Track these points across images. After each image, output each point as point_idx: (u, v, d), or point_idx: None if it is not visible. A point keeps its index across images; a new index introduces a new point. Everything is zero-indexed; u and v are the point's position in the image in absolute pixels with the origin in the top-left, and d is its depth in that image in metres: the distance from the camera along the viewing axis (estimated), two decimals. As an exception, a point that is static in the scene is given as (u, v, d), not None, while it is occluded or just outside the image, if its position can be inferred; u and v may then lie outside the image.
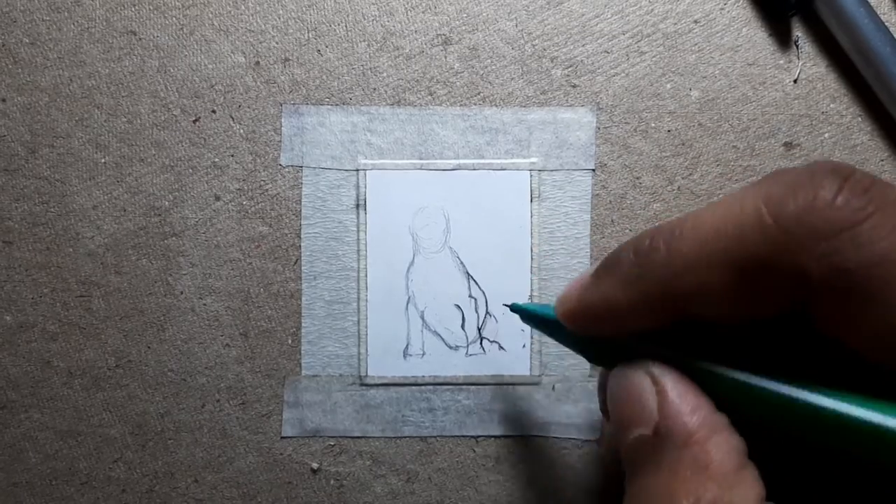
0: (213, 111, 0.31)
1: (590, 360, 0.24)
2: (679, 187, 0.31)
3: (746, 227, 0.17)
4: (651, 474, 0.18)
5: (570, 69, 0.31)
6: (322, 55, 0.31)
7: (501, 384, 0.30)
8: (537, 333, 0.30)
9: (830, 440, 0.17)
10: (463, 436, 0.30)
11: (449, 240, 0.30)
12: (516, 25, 0.31)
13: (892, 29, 0.30)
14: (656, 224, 0.21)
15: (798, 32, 0.31)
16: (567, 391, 0.30)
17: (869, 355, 0.17)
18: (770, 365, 0.19)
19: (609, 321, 0.20)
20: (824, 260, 0.16)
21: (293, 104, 0.31)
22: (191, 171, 0.30)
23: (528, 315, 0.26)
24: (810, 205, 0.16)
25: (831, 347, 0.17)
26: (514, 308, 0.27)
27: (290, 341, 0.30)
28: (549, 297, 0.30)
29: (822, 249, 0.16)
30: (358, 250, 0.30)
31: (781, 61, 0.31)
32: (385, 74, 0.31)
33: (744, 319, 0.18)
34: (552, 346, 0.30)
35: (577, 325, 0.21)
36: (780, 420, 0.18)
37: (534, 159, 0.31)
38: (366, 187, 0.30)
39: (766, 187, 0.17)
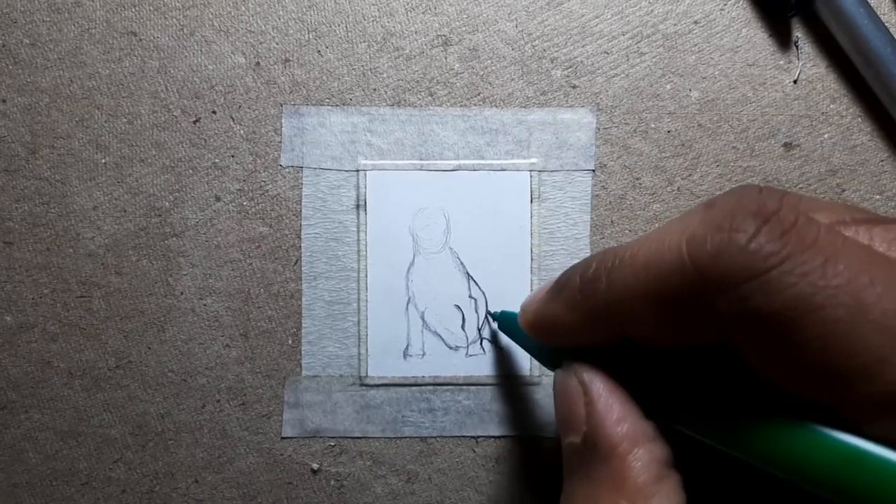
0: (214, 112, 0.31)
1: (546, 366, 0.26)
2: (679, 188, 0.31)
3: (667, 265, 0.18)
4: (578, 483, 0.20)
5: (570, 70, 0.31)
6: (322, 56, 0.31)
7: (501, 384, 0.30)
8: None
9: (744, 452, 0.18)
10: (463, 436, 0.30)
11: (449, 240, 0.30)
12: (516, 26, 0.31)
13: (892, 29, 0.30)
14: (649, 222, 0.22)
15: (798, 33, 0.31)
16: (567, 391, 0.30)
17: (784, 386, 0.17)
18: (703, 382, 0.20)
19: (559, 336, 0.22)
20: (735, 304, 0.16)
21: (293, 105, 0.31)
22: (191, 171, 0.30)
23: (506, 323, 0.28)
24: (725, 248, 0.17)
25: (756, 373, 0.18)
26: (497, 317, 0.29)
27: (290, 342, 0.30)
28: (549, 297, 0.30)
29: (734, 294, 0.16)
30: (358, 251, 0.30)
31: (781, 62, 0.31)
32: (385, 75, 0.31)
33: (676, 345, 0.19)
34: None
35: (534, 334, 0.23)
36: (703, 430, 0.19)
37: (534, 160, 0.31)
38: (366, 188, 0.30)
39: (691, 225, 0.18)
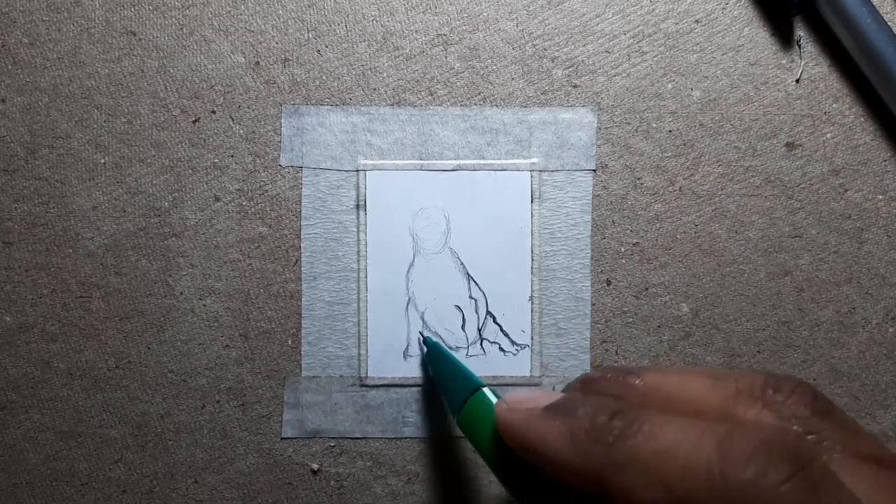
0: (213, 111, 0.30)
1: (487, 459, 0.24)
2: (680, 188, 0.30)
3: (694, 468, 0.18)
4: None
5: (570, 69, 0.31)
6: (322, 55, 0.31)
7: (501, 385, 0.30)
8: (538, 335, 0.30)
9: None
10: (463, 436, 0.30)
11: (449, 240, 0.30)
12: (517, 25, 0.31)
13: (894, 28, 0.29)
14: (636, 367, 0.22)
15: (800, 32, 0.31)
16: (567, 392, 0.30)
17: None
18: None
19: (538, 459, 0.21)
20: None
21: (293, 104, 0.31)
22: (190, 171, 0.30)
23: (440, 360, 0.28)
24: (757, 480, 0.17)
25: None
26: (429, 344, 0.29)
27: (290, 342, 0.30)
28: (550, 297, 0.30)
29: None
30: (358, 251, 0.30)
31: (783, 61, 0.31)
32: (385, 74, 0.31)
33: None
34: (552, 348, 0.30)
35: (509, 440, 0.22)
36: None
37: (534, 160, 0.30)
38: (366, 188, 0.30)
39: (728, 440, 0.18)
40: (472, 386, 0.24)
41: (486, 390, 0.24)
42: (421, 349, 0.30)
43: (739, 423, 0.19)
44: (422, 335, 0.30)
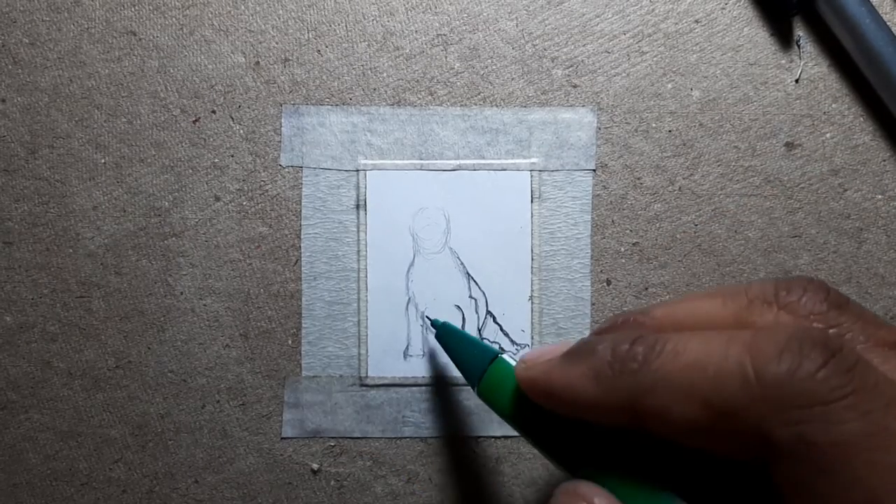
0: (213, 111, 0.31)
1: (515, 424, 0.24)
2: (680, 187, 0.30)
3: (727, 374, 0.17)
4: None
5: (570, 69, 0.31)
6: (322, 55, 0.31)
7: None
8: (538, 335, 0.30)
9: None
10: (463, 436, 0.30)
11: (449, 240, 0.30)
12: (517, 25, 0.31)
13: (893, 28, 0.29)
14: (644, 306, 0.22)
15: (800, 32, 0.31)
16: (567, 392, 0.30)
17: None
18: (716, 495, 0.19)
19: (567, 406, 0.20)
20: (792, 428, 0.17)
21: (293, 104, 0.31)
22: (191, 171, 0.30)
23: (453, 338, 0.27)
24: (793, 372, 0.17)
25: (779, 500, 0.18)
26: (437, 325, 0.28)
27: (290, 342, 0.30)
28: (550, 297, 0.30)
29: (793, 417, 0.17)
30: (358, 251, 0.30)
31: (783, 61, 0.31)
32: (385, 74, 0.31)
33: (699, 452, 0.19)
34: (553, 347, 0.30)
35: (533, 395, 0.21)
36: None
37: (534, 159, 0.30)
38: (366, 188, 0.30)
39: (755, 341, 0.18)
40: (490, 355, 0.24)
41: (505, 356, 0.24)
42: (425, 336, 0.30)
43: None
44: (428, 318, 0.30)
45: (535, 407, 0.21)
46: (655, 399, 0.18)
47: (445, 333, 0.27)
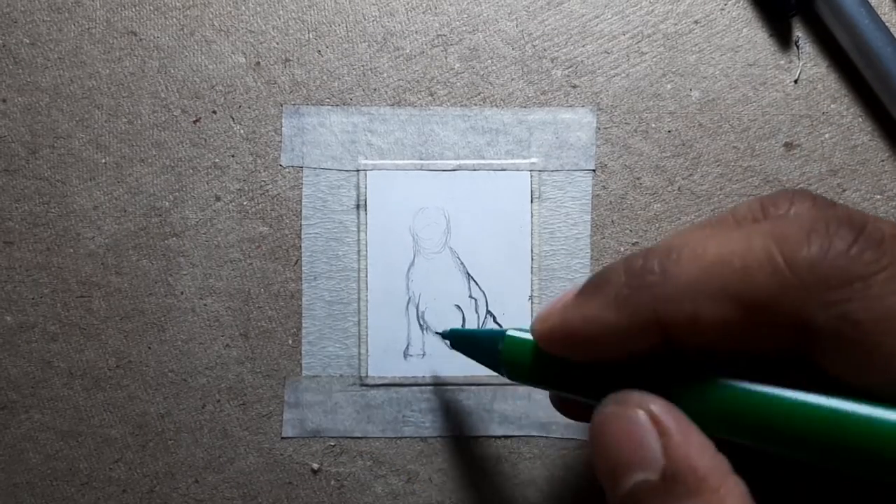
0: (214, 112, 0.31)
1: (547, 386, 0.23)
2: (679, 188, 0.30)
3: (755, 265, 0.17)
4: None
5: (570, 69, 0.31)
6: (322, 55, 0.31)
7: (501, 384, 0.30)
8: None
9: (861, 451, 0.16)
10: (463, 436, 0.30)
11: (449, 240, 0.30)
12: (517, 26, 0.31)
13: (892, 29, 0.30)
14: (656, 228, 0.21)
15: (798, 33, 0.31)
16: (567, 392, 0.30)
17: (874, 392, 0.16)
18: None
19: (590, 344, 0.19)
20: (833, 309, 0.16)
21: (293, 104, 0.31)
22: (191, 171, 0.30)
23: (465, 341, 0.27)
24: (825, 253, 0.16)
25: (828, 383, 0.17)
26: (448, 336, 0.28)
27: (290, 342, 0.30)
28: (550, 297, 0.30)
29: (832, 298, 0.16)
30: (358, 251, 0.30)
31: (782, 62, 0.31)
32: (385, 75, 0.31)
33: (732, 354, 0.18)
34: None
35: (555, 346, 0.20)
36: (798, 435, 0.17)
37: (534, 160, 0.31)
38: (366, 188, 0.30)
39: (779, 228, 0.17)
40: (498, 338, 0.23)
41: (511, 331, 0.23)
42: (425, 336, 0.30)
43: None
44: (437, 333, 0.30)
45: (558, 363, 0.20)
46: (682, 307, 0.17)
47: (458, 341, 0.27)
